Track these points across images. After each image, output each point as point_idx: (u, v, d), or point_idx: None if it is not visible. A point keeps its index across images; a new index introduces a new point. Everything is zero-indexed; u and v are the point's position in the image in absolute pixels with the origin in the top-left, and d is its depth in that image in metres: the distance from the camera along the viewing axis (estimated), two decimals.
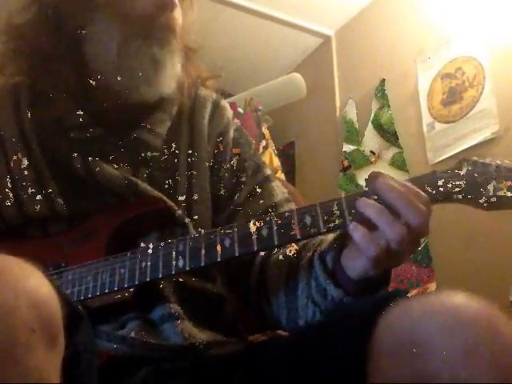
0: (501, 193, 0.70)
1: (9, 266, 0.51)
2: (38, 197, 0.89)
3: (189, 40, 1.01)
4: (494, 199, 0.71)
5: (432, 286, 2.18)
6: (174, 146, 0.96)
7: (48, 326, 0.50)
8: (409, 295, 0.71)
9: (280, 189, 1.01)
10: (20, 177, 0.90)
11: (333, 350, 0.69)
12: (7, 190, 0.89)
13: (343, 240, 0.77)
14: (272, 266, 0.90)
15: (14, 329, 0.47)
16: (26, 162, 0.91)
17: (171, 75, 0.93)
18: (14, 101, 0.95)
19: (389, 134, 2.48)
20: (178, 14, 0.93)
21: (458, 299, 0.62)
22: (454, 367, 0.57)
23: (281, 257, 0.89)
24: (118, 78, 0.90)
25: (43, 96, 0.93)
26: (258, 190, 0.98)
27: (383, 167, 2.44)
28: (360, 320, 0.68)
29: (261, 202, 0.97)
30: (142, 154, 0.93)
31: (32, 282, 0.51)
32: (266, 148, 2.64)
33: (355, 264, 0.73)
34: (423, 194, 0.70)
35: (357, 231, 0.70)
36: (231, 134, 1.02)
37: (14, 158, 0.91)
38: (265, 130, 2.68)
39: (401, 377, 0.60)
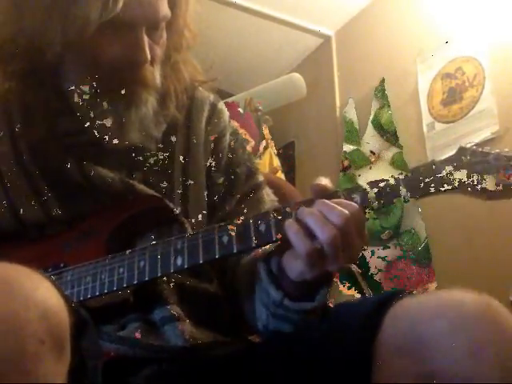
0: (500, 181, 0.69)
1: (18, 276, 0.51)
2: (34, 204, 0.88)
3: (180, 39, 0.95)
4: (493, 188, 0.70)
5: (432, 286, 2.18)
6: (169, 149, 0.94)
7: (57, 337, 0.50)
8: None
9: (270, 197, 1.01)
10: (14, 185, 0.89)
11: (335, 350, 0.69)
12: (2, 198, 0.88)
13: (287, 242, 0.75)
14: (240, 270, 0.91)
15: (24, 340, 0.48)
16: (18, 170, 0.89)
17: (138, 129, 0.89)
18: (4, 107, 0.92)
19: (389, 134, 2.47)
20: (150, 71, 0.87)
21: (462, 297, 0.62)
22: (459, 366, 0.57)
23: (247, 260, 0.90)
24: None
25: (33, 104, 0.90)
26: (248, 197, 0.98)
27: (383, 167, 2.44)
28: (362, 319, 0.68)
29: (249, 209, 0.96)
30: (136, 158, 0.92)
31: (41, 293, 0.51)
32: (265, 148, 2.64)
33: (292, 265, 0.73)
34: (348, 203, 0.70)
35: (290, 228, 0.70)
36: (227, 138, 1.02)
37: (6, 166, 0.89)
38: (265, 130, 2.68)
39: (406, 375, 0.61)
